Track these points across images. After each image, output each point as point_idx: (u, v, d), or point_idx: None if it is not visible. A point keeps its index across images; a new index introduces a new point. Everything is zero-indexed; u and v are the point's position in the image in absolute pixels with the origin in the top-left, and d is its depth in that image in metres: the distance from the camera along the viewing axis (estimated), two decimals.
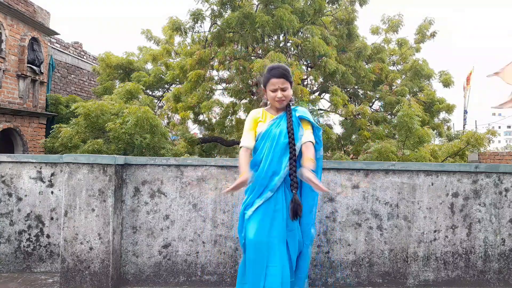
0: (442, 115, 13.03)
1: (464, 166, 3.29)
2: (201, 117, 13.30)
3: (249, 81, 10.38)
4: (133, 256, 3.18)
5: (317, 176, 2.44)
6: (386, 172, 3.25)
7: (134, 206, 3.19)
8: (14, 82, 11.57)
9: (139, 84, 11.37)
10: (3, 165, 3.41)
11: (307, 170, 2.27)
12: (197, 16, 10.29)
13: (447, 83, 12.58)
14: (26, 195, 3.40)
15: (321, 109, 12.16)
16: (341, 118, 12.13)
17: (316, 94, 12.41)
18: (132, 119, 8.49)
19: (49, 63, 13.43)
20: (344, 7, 11.54)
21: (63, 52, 15.00)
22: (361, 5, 11.54)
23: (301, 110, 2.54)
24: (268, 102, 2.59)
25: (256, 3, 10.66)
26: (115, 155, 3.37)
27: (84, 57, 16.57)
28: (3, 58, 11.10)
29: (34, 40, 12.27)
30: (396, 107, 11.34)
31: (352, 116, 11.08)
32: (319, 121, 11.47)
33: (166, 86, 14.27)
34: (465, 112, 17.19)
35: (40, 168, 3.40)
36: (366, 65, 12.14)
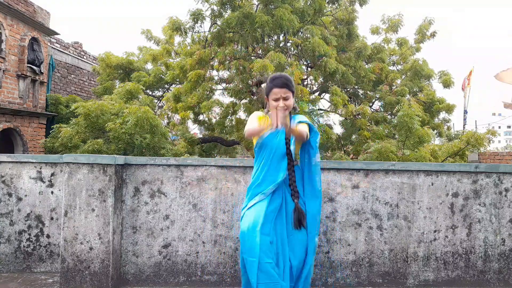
0: (442, 115, 13.03)
1: (464, 166, 3.29)
2: (201, 117, 13.30)
3: (249, 81, 10.39)
4: (133, 256, 3.18)
5: (315, 182, 2.47)
6: (386, 172, 3.25)
7: (134, 206, 3.19)
8: (14, 82, 11.57)
9: (139, 84, 11.37)
10: (3, 165, 3.41)
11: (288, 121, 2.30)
12: (197, 16, 10.29)
13: (447, 83, 12.58)
14: (26, 195, 3.40)
15: (321, 109, 12.16)
16: (341, 118, 12.13)
17: (316, 94, 12.41)
18: (132, 119, 8.49)
19: (49, 63, 13.43)
20: (344, 7, 11.54)
21: (63, 52, 15.00)
22: (361, 5, 11.54)
23: (300, 117, 2.58)
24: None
25: (256, 3, 10.66)
26: (115, 155, 3.37)
27: (84, 57, 16.57)
28: (3, 58, 11.10)
29: (34, 40, 12.26)
30: (396, 107, 11.34)
31: (352, 116, 11.08)
32: (319, 121, 11.47)
33: (166, 86, 14.27)
34: (465, 112, 17.19)
35: (40, 168, 3.40)
36: (366, 65, 12.14)
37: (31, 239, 3.39)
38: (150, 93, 14.21)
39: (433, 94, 12.67)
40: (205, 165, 3.22)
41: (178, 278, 3.18)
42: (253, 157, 2.64)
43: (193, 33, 11.71)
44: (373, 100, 13.21)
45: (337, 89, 10.32)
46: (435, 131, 12.37)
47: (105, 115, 9.06)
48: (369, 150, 8.83)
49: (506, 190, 3.31)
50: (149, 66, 14.58)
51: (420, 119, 9.44)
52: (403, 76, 12.94)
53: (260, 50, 11.12)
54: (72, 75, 15.68)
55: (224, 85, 11.92)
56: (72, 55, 15.60)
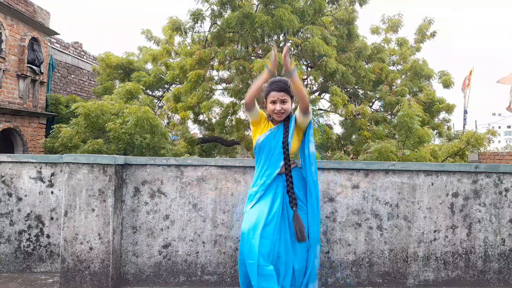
0: (442, 115, 13.03)
1: (464, 166, 3.29)
2: (201, 117, 13.29)
3: (249, 81, 10.38)
4: (133, 256, 3.18)
5: (311, 170, 2.49)
6: (386, 172, 3.25)
7: (134, 206, 3.19)
8: (14, 82, 11.57)
9: (139, 84, 11.36)
10: (3, 165, 3.41)
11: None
12: (197, 16, 10.29)
13: (447, 83, 12.58)
14: (26, 195, 3.40)
15: (321, 109, 12.16)
16: (341, 118, 12.13)
17: (316, 94, 12.40)
18: (132, 119, 8.49)
19: (49, 63, 13.43)
20: (344, 7, 11.55)
21: (63, 52, 15.00)
22: (361, 5, 11.54)
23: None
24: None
25: (256, 3, 10.66)
26: (115, 155, 3.37)
27: (84, 57, 16.57)
28: (3, 58, 11.10)
29: (34, 40, 12.26)
30: (396, 107, 11.34)
31: (352, 116, 11.08)
32: (319, 121, 11.47)
33: (166, 86, 14.26)
34: (465, 112, 17.20)
35: (40, 168, 3.40)
36: (366, 65, 12.14)
37: (31, 239, 3.39)
38: (150, 93, 14.21)
39: (433, 94, 12.67)
40: (205, 165, 3.22)
41: (178, 278, 3.18)
42: (253, 157, 2.66)
43: (193, 33, 11.71)
44: (373, 100, 13.21)
45: (337, 89, 10.32)
46: (435, 131, 12.37)
47: (105, 115, 9.06)
48: (369, 150, 8.83)
49: (506, 190, 3.31)
50: (149, 66, 14.58)
51: (420, 119, 9.44)
52: (403, 76, 12.94)
53: (260, 50, 11.11)
54: (72, 75, 15.68)
55: (224, 85, 11.92)
56: (72, 55, 15.60)
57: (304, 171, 2.55)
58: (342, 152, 11.05)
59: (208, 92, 10.94)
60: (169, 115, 13.26)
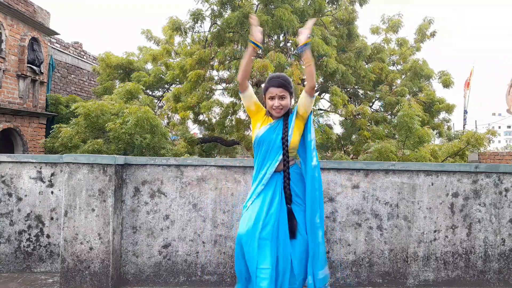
0: (442, 115, 13.04)
1: (464, 166, 3.29)
2: (201, 117, 13.30)
3: (249, 81, 10.37)
4: (133, 256, 3.18)
5: (310, 158, 2.48)
6: (386, 172, 3.25)
7: (134, 206, 3.19)
8: (14, 82, 11.57)
9: (139, 84, 11.36)
10: (3, 165, 3.41)
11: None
12: (197, 16, 10.29)
13: (447, 83, 12.59)
14: (26, 195, 3.40)
15: (321, 109, 12.18)
16: (341, 118, 12.14)
17: (316, 94, 12.41)
18: (132, 119, 8.49)
19: (49, 63, 13.43)
20: (344, 7, 11.55)
21: (63, 52, 15.00)
22: (361, 5, 11.55)
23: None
24: None
25: (256, 3, 10.66)
26: (115, 155, 3.37)
27: (84, 57, 16.56)
28: (3, 58, 11.10)
29: (34, 40, 12.26)
30: (396, 107, 11.35)
31: (352, 116, 11.08)
32: (319, 121, 11.48)
33: (166, 86, 14.27)
34: (465, 112, 17.21)
35: (40, 168, 3.40)
36: (366, 65, 12.15)
37: (31, 239, 3.39)
38: (150, 93, 14.21)
39: (433, 94, 12.68)
40: (205, 165, 3.22)
41: (178, 278, 3.18)
42: (253, 157, 2.65)
43: (193, 33, 11.71)
44: (373, 100, 13.22)
45: (337, 89, 10.33)
46: (435, 131, 12.38)
47: (105, 115, 9.06)
48: (369, 150, 8.83)
49: (506, 190, 3.31)
50: (149, 66, 14.59)
51: (420, 119, 9.45)
52: (403, 76, 12.95)
53: (260, 50, 11.11)
54: (72, 75, 15.68)
55: (224, 85, 11.92)
56: (72, 55, 15.60)
57: (304, 162, 2.54)
58: (342, 152, 11.05)
59: (208, 92, 10.94)
60: (169, 115, 13.26)
